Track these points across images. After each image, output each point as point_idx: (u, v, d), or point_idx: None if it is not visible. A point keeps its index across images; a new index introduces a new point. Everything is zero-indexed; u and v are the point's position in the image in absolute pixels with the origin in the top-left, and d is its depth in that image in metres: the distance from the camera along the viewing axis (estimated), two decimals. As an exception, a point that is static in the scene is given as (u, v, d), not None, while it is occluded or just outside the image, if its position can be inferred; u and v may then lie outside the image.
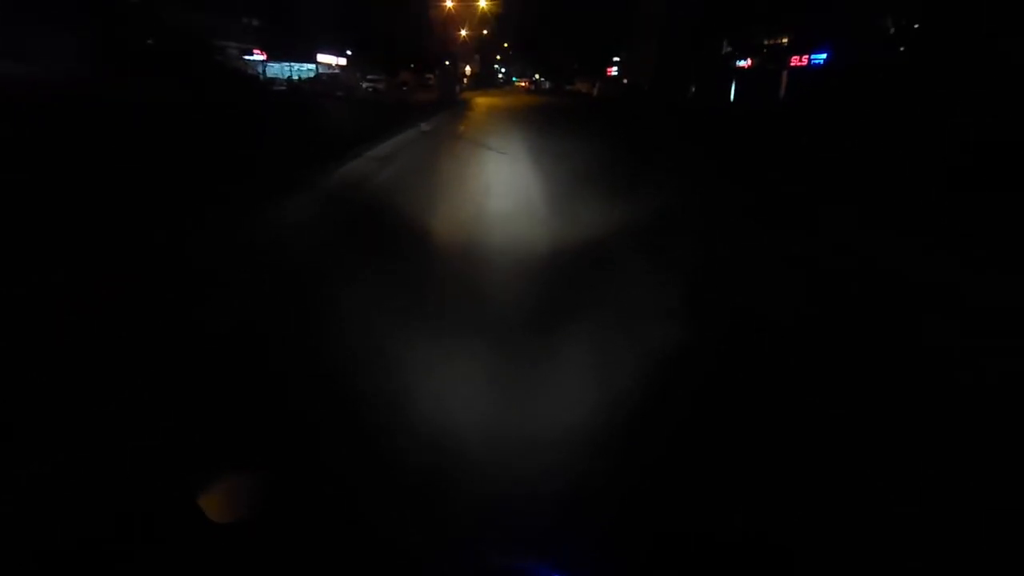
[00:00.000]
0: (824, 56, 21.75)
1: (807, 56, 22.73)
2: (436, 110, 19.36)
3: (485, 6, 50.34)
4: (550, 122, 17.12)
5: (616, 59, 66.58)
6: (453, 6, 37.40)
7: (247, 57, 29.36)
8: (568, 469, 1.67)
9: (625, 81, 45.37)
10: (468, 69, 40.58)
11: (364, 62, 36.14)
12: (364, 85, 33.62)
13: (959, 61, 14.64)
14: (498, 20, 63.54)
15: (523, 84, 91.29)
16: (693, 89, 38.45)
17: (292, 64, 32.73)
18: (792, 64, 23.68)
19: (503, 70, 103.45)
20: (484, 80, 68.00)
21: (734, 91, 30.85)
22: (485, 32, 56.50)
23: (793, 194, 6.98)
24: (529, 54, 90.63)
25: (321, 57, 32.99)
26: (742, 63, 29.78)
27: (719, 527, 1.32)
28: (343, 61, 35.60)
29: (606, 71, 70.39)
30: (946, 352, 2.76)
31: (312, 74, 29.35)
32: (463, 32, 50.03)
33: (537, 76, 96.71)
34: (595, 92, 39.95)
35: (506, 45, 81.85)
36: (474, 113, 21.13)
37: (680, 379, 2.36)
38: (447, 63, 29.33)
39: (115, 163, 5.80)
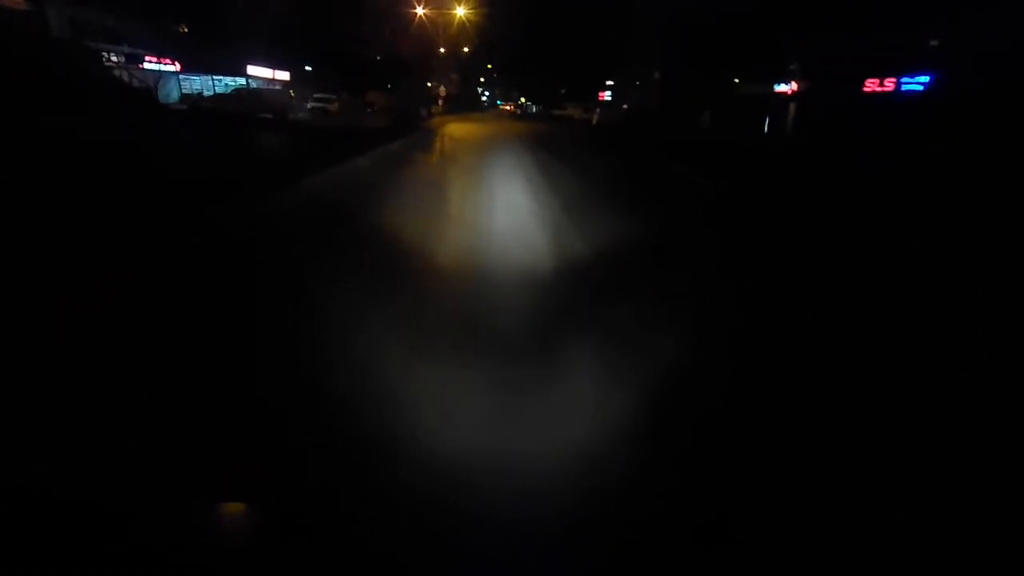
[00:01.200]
0: (925, 80, 15.86)
1: (892, 80, 16.77)
2: (371, 145, 12.58)
3: (466, 19, 44.71)
4: (548, 178, 10.17)
5: (609, 83, 61.96)
6: (426, 16, 31.33)
7: (149, 66, 22.35)
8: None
9: (625, 106, 39.61)
10: (443, 90, 33.95)
11: (313, 78, 29.45)
12: (309, 106, 26.87)
13: None
14: (481, 37, 58.26)
15: (508, 108, 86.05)
16: (708, 118, 32.70)
17: (219, 78, 25.84)
18: (869, 90, 17.70)
19: (487, 93, 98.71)
20: (466, 103, 62.07)
21: (768, 118, 24.91)
22: (466, 50, 50.86)
23: None
24: (515, 77, 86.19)
25: (254, 70, 26.16)
26: (783, 87, 23.90)
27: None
28: (285, 76, 28.83)
29: (598, 95, 65.75)
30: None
31: (243, 89, 22.40)
32: (441, 49, 44.08)
33: (523, 100, 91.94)
34: (595, 119, 33.81)
35: (490, 66, 76.75)
36: (426, 156, 13.44)
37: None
38: (412, 81, 22.77)
39: None
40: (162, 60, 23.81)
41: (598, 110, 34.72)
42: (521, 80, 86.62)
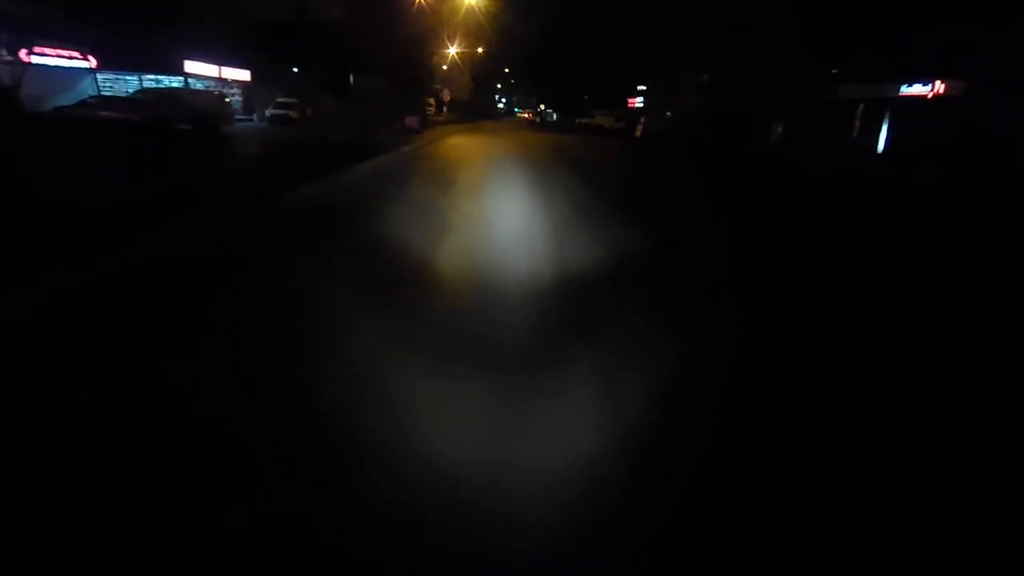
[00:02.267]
0: None
1: None
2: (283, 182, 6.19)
3: (480, 14, 38.62)
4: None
5: (641, 88, 55.16)
6: (427, 4, 25.11)
7: (36, 59, 16.46)
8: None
9: (668, 114, 32.76)
10: (446, 94, 27.51)
11: (279, 79, 23.36)
12: (269, 112, 20.76)
13: None
14: (497, 39, 52.09)
15: (526, 116, 79.55)
16: (780, 129, 25.72)
17: (160, 77, 19.88)
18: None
19: (503, 100, 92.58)
20: (479, 110, 55.90)
21: (888, 134, 17.92)
22: (480, 50, 44.72)
23: None
24: (534, 81, 79.89)
25: (195, 67, 20.13)
26: (910, 89, 16.92)
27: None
28: (244, 76, 22.78)
29: (627, 102, 58.95)
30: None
31: (151, 90, 16.19)
32: (452, 51, 38.06)
33: (542, 107, 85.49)
34: (639, 130, 26.85)
35: (508, 70, 70.65)
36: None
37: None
38: (376, 79, 16.42)
39: None
40: (70, 53, 17.93)
41: (643, 119, 27.70)
42: (541, 85, 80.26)
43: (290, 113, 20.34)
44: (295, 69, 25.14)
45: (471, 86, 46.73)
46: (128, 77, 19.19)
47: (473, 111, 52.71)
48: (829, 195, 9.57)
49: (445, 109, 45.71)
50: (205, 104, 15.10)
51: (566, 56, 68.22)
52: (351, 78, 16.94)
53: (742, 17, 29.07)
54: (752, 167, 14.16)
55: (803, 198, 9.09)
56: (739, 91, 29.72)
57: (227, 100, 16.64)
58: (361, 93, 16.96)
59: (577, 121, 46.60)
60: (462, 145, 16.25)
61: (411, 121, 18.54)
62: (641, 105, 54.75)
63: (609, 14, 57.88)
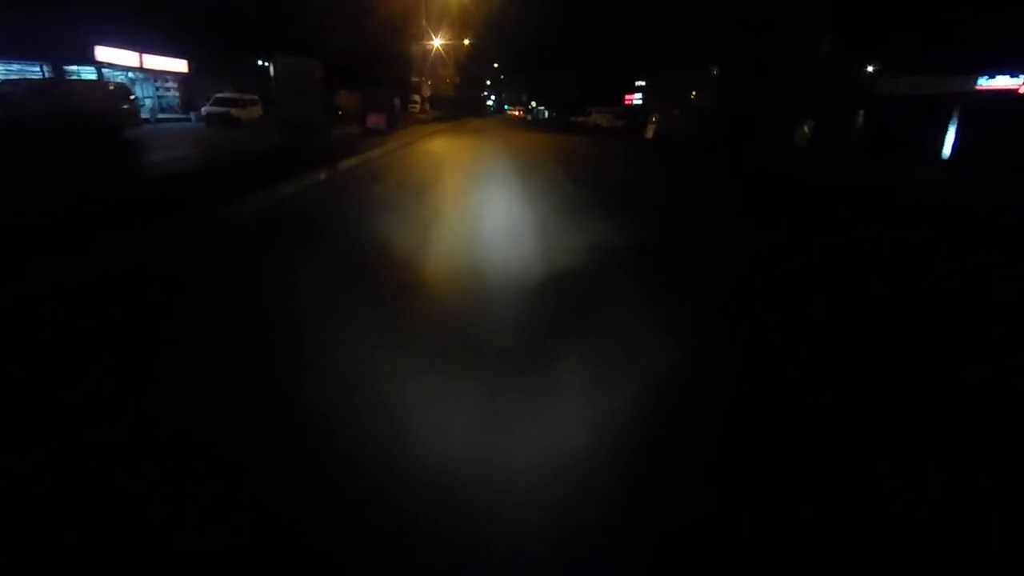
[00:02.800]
0: None
1: None
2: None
3: (467, 2, 35.11)
4: None
5: (640, 83, 51.77)
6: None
7: None
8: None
9: (676, 111, 29.38)
10: (426, 89, 23.76)
11: (234, 70, 19.66)
12: (206, 110, 17.12)
13: None
14: (485, 30, 48.41)
15: (517, 113, 75.89)
16: (807, 130, 22.54)
17: (73, 67, 16.09)
18: None
19: (492, 97, 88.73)
20: (466, 107, 52.23)
21: (957, 137, 14.79)
22: (467, 42, 41.08)
23: None
24: (525, 77, 76.13)
25: (109, 55, 16.36)
26: (990, 81, 13.75)
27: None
28: (179, 66, 19.01)
29: (623, 98, 55.56)
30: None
31: (14, 82, 12.35)
32: (436, 43, 34.49)
33: (534, 104, 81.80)
34: (650, 130, 23.20)
35: (496, 65, 66.99)
36: None
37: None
38: (303, 63, 12.58)
39: None
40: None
41: (655, 118, 23.92)
42: (531, 81, 76.47)
43: (232, 111, 16.66)
44: (264, 62, 21.43)
45: (457, 81, 43.00)
46: (29, 67, 15.36)
47: (459, 108, 49.04)
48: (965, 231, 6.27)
49: (428, 106, 42.14)
50: (90, 100, 11.40)
51: (559, 50, 64.70)
52: (273, 63, 13.09)
53: None
54: (822, 187, 10.79)
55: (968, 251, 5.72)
56: (758, 86, 26.51)
57: (131, 96, 12.90)
58: (290, 82, 13.12)
59: (572, 119, 43.04)
60: (436, 157, 12.71)
61: (375, 120, 14.94)
62: (640, 102, 51.53)
63: (605, 3, 54.46)
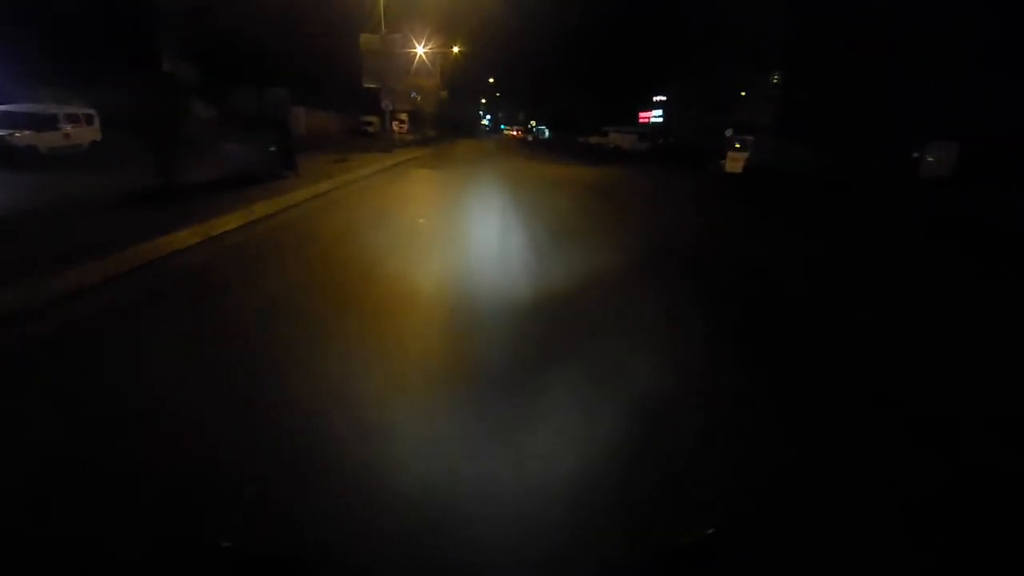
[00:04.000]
0: None
1: None
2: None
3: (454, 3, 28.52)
4: None
5: (659, 98, 44.85)
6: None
7: None
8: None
9: (728, 133, 22.19)
10: (388, 104, 16.24)
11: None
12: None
13: None
14: (481, 41, 41.72)
15: (514, 134, 69.00)
16: (949, 156, 15.39)
17: None
18: None
19: (487, 117, 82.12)
20: (456, 126, 45.28)
21: None
22: (456, 50, 34.19)
23: None
24: (524, 90, 69.45)
25: None
26: None
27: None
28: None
29: (638, 116, 48.71)
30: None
31: None
32: (419, 49, 27.69)
33: (533, 124, 74.95)
34: (733, 161, 15.11)
35: (492, 80, 60.35)
36: None
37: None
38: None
39: None
40: None
41: (752, 141, 15.25)
42: (536, 97, 69.65)
43: (18, 136, 9.23)
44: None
45: (442, 96, 35.96)
46: None
47: (448, 127, 42.01)
48: None
49: (406, 127, 35.04)
50: None
51: (562, 63, 58.15)
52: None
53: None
54: None
55: None
56: (853, 94, 19.44)
57: None
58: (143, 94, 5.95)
59: (581, 140, 35.88)
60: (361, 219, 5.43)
61: (239, 153, 7.00)
62: (660, 119, 44.69)
63: (616, 7, 47.94)
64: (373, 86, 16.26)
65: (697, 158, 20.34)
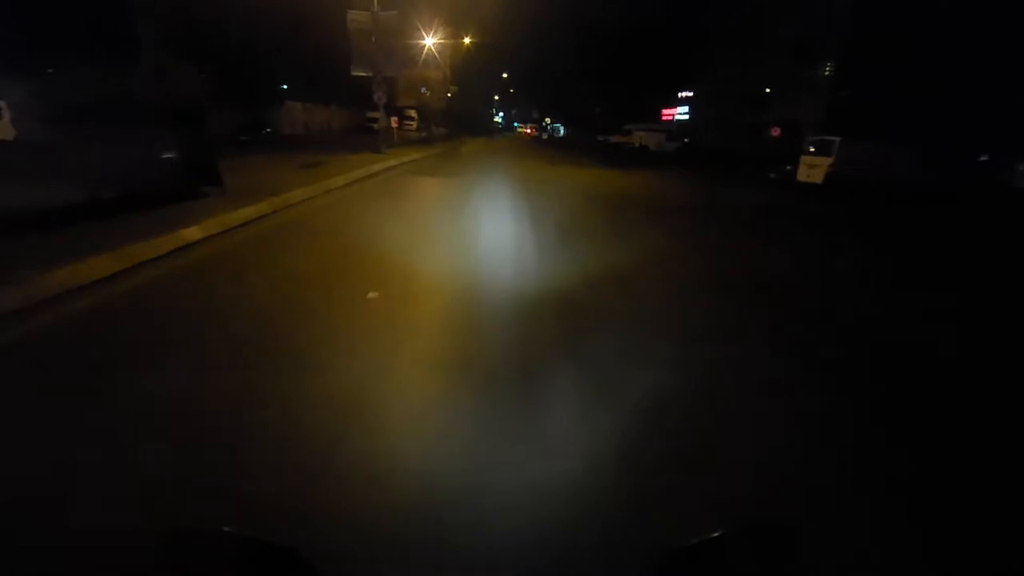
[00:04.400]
0: None
1: None
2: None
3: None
4: None
5: (686, 94, 41.56)
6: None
7: None
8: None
9: (776, 132, 19.17)
10: (381, 96, 13.58)
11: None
12: None
13: None
14: (494, 37, 38.99)
15: (528, 131, 65.96)
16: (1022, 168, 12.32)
17: None
18: None
19: (500, 114, 79.05)
20: (466, 123, 42.53)
21: None
22: (467, 41, 31.54)
23: None
24: (540, 89, 66.29)
25: None
26: None
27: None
28: None
29: (660, 113, 45.47)
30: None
31: None
32: (428, 41, 25.31)
33: (548, 121, 71.67)
34: (809, 170, 12.12)
35: (505, 76, 57.42)
36: None
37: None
38: None
39: None
40: None
41: (835, 147, 11.63)
42: (547, 93, 66.51)
43: None
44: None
45: (451, 91, 33.22)
46: None
47: (458, 124, 39.27)
48: None
49: (415, 124, 32.47)
50: None
51: (581, 55, 54.82)
52: None
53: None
54: None
55: None
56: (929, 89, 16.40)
57: None
58: None
59: (600, 139, 32.86)
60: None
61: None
62: (686, 116, 41.42)
63: (632, 6, 44.76)
64: (362, 74, 13.54)
65: (734, 159, 17.38)
